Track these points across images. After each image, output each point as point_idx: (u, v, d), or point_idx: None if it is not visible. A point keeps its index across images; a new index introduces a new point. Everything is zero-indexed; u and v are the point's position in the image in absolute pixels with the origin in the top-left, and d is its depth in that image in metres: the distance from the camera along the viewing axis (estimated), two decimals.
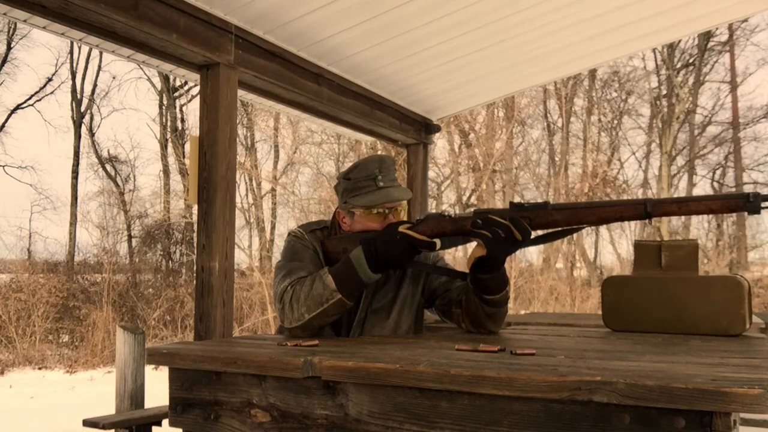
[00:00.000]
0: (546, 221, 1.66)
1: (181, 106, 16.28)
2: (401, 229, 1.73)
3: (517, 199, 6.20)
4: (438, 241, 1.75)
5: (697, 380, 0.95)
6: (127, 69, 17.51)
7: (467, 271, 1.81)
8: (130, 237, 14.93)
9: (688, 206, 1.59)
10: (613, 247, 15.01)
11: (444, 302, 1.94)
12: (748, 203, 1.54)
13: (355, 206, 1.88)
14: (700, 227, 14.97)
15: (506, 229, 1.63)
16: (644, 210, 1.59)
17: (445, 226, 1.74)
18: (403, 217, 1.95)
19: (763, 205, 1.53)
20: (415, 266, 1.91)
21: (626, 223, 15.07)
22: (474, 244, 1.75)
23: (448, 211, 1.79)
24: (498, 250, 1.67)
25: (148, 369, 3.86)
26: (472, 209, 1.73)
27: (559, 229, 1.69)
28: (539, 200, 1.72)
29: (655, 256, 2.05)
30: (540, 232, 1.73)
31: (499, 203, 14.51)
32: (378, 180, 1.86)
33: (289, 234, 1.98)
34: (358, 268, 1.71)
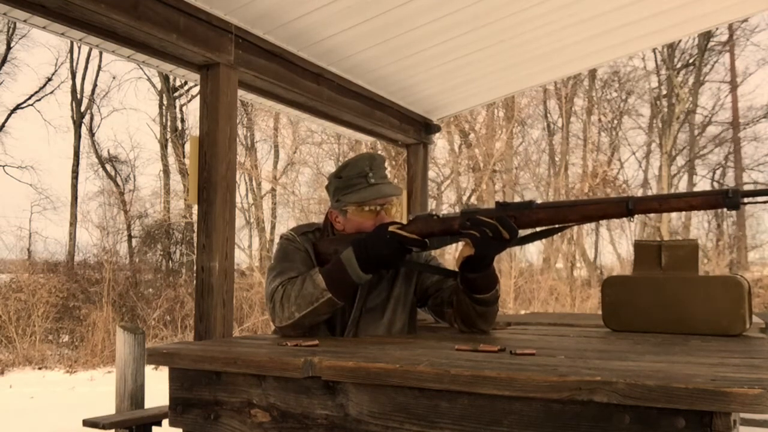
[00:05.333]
0: (531, 220, 1.67)
1: (181, 106, 16.29)
2: (391, 228, 1.74)
3: (517, 199, 6.19)
4: (427, 241, 1.76)
5: (697, 380, 0.95)
6: (127, 69, 17.50)
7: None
8: (130, 237, 14.92)
9: (668, 203, 1.61)
10: (613, 247, 15.01)
11: (436, 302, 1.95)
12: (728, 199, 1.55)
13: (348, 204, 1.89)
14: (700, 227, 14.98)
15: (494, 229, 1.64)
16: (626, 207, 1.61)
17: (433, 226, 1.76)
18: (395, 214, 1.97)
19: (743, 200, 1.54)
20: (408, 265, 1.92)
21: (626, 223, 15.09)
22: (462, 243, 1.76)
23: (441, 211, 1.82)
24: (486, 249, 1.68)
25: (148, 369, 3.86)
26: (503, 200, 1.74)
27: (545, 228, 1.71)
28: (538, 200, 1.73)
29: (655, 256, 2.05)
30: (528, 231, 1.74)
31: None
32: (369, 177, 1.88)
33: (280, 237, 2.00)
34: (348, 268, 1.72)
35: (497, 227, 1.63)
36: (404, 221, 1.89)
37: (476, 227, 1.66)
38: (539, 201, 1.70)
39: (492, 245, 1.66)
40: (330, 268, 1.76)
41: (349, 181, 1.89)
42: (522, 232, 1.70)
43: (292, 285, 1.77)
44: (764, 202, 1.60)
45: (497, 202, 1.70)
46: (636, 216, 1.62)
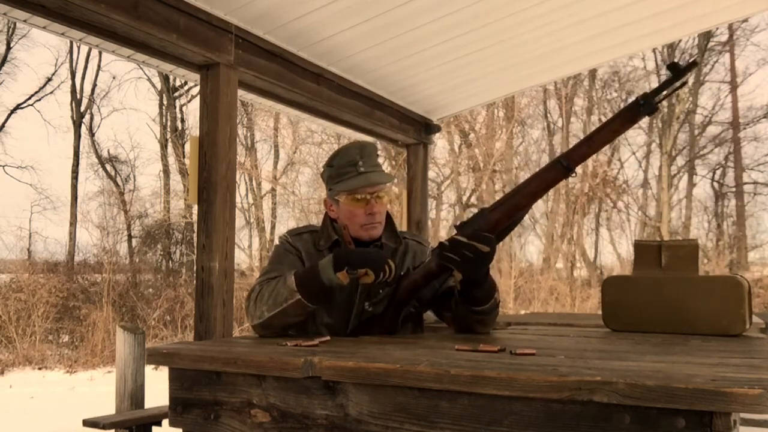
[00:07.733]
0: (491, 225, 1.67)
1: (181, 106, 16.28)
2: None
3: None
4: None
5: (697, 380, 0.95)
6: (127, 69, 17.48)
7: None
8: (130, 237, 14.92)
9: (595, 141, 1.63)
10: (613, 247, 15.01)
11: (436, 303, 1.95)
12: (642, 108, 1.59)
13: (339, 192, 1.88)
14: (700, 227, 14.98)
15: (470, 248, 1.63)
16: (562, 167, 1.62)
17: (416, 279, 1.79)
18: (387, 205, 1.95)
19: (656, 101, 1.58)
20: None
21: (626, 223, 15.11)
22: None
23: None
24: (472, 269, 1.68)
25: (148, 369, 3.85)
26: (459, 221, 1.74)
27: (508, 224, 1.71)
28: (485, 206, 1.75)
29: (655, 256, 2.05)
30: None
31: None
32: (359, 166, 1.86)
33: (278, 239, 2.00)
34: (321, 270, 1.70)
35: (472, 245, 1.63)
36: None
37: (454, 253, 1.65)
38: (486, 206, 1.72)
39: (476, 263, 1.66)
40: (302, 271, 1.76)
41: (340, 170, 1.88)
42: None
43: (267, 285, 1.77)
44: (674, 91, 1.62)
45: (455, 226, 1.71)
46: (573, 173, 1.62)
